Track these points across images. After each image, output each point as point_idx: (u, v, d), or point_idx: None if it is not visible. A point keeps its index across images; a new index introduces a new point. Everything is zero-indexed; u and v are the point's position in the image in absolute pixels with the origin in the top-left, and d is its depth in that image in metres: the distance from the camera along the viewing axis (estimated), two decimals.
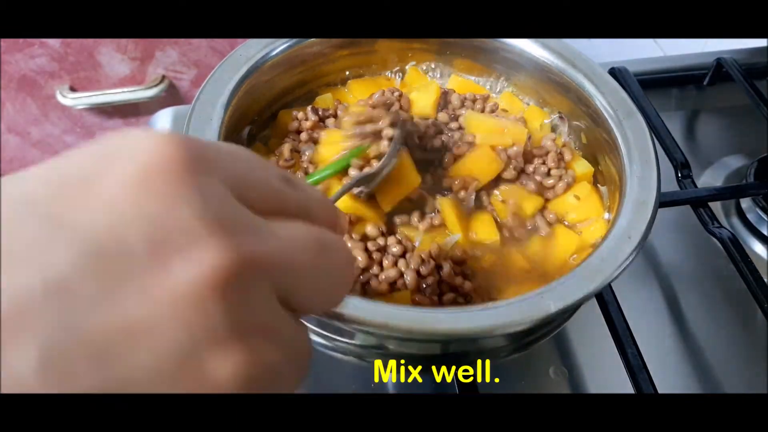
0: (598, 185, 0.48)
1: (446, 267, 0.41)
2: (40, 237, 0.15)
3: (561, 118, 0.50)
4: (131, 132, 0.18)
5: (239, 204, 0.18)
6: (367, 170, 0.42)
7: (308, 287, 0.20)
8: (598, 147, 0.47)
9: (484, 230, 0.44)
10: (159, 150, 0.17)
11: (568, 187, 0.46)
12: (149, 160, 0.17)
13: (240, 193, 0.18)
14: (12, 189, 0.16)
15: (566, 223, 0.46)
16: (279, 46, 0.47)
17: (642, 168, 0.42)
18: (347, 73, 0.53)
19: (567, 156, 0.47)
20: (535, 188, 0.46)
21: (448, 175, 0.46)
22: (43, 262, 0.15)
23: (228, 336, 0.16)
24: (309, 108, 0.49)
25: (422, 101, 0.49)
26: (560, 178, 0.46)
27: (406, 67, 0.54)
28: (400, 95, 0.49)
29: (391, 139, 0.43)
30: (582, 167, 0.47)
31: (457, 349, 0.42)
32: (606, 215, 0.45)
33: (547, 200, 0.47)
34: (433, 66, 0.54)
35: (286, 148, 0.46)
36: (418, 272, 0.40)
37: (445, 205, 0.44)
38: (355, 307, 0.33)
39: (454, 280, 0.41)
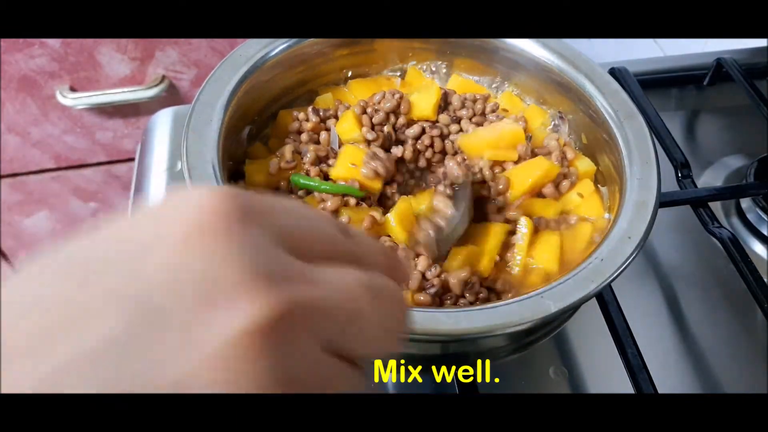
0: (599, 186, 0.48)
1: (453, 279, 0.40)
2: (97, 301, 0.16)
3: (561, 117, 0.50)
4: (184, 191, 0.18)
5: (286, 254, 0.18)
6: (437, 230, 0.42)
7: (357, 334, 0.20)
8: (599, 147, 0.47)
9: (545, 257, 0.43)
10: (208, 205, 0.17)
11: (572, 185, 0.46)
12: (197, 219, 0.17)
13: (290, 242, 0.19)
14: (76, 252, 0.17)
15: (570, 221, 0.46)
16: (279, 45, 0.47)
17: (642, 169, 0.42)
18: (348, 72, 0.53)
19: (570, 154, 0.47)
20: (550, 192, 0.46)
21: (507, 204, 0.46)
22: (97, 325, 0.16)
23: (271, 387, 0.17)
24: (310, 109, 0.49)
25: (423, 103, 0.49)
26: (564, 176, 0.46)
27: (407, 66, 0.54)
28: (401, 97, 0.49)
29: (451, 197, 0.43)
30: (585, 165, 0.47)
31: (458, 350, 0.42)
32: (606, 215, 0.45)
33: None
34: (433, 66, 0.54)
35: (287, 150, 0.46)
36: (423, 275, 0.40)
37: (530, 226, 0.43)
38: None
39: (461, 296, 0.41)
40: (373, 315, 0.20)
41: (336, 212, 0.43)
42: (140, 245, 0.17)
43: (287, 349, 0.17)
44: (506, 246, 0.43)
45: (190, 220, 0.17)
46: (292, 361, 0.17)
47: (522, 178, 0.46)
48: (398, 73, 0.54)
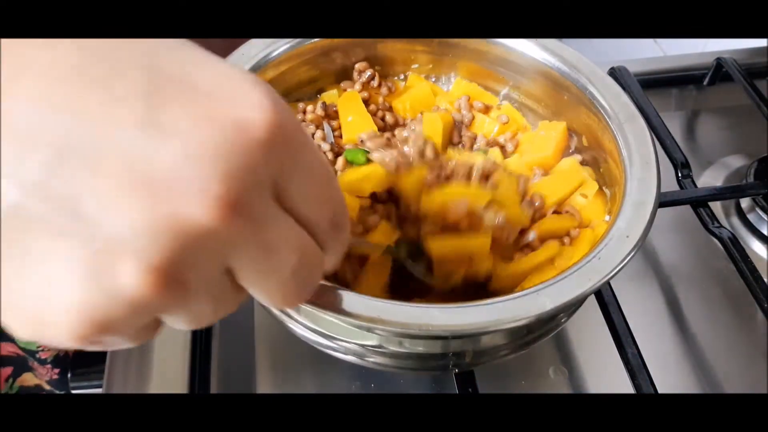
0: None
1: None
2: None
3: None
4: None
5: (268, 195, 0.20)
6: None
7: (257, 269, 0.21)
8: (599, 150, 0.47)
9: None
10: (268, 119, 0.21)
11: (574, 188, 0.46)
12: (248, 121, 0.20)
13: (281, 193, 0.21)
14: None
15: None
16: (281, 45, 0.47)
17: (642, 170, 0.42)
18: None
19: None
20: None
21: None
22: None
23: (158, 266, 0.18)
24: (319, 104, 0.49)
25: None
26: None
27: (412, 66, 0.53)
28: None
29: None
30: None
31: (457, 348, 0.42)
32: (607, 218, 0.45)
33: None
34: (435, 71, 0.54)
35: None
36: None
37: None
38: (359, 304, 0.33)
39: None
40: (287, 269, 0.21)
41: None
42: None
43: (196, 258, 0.18)
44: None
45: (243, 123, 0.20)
46: (194, 268, 0.19)
47: (554, 188, 0.46)
48: (402, 77, 0.54)
